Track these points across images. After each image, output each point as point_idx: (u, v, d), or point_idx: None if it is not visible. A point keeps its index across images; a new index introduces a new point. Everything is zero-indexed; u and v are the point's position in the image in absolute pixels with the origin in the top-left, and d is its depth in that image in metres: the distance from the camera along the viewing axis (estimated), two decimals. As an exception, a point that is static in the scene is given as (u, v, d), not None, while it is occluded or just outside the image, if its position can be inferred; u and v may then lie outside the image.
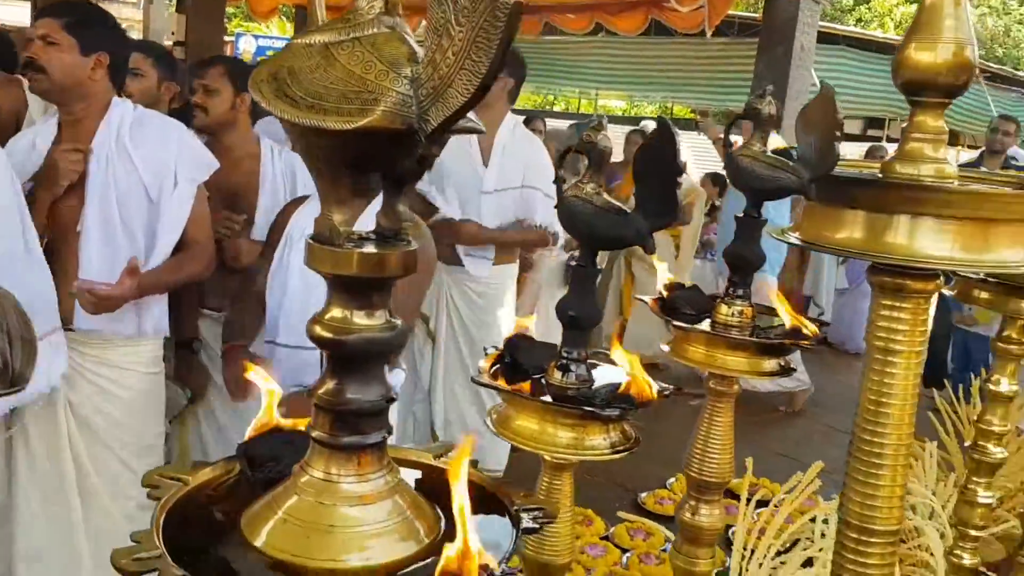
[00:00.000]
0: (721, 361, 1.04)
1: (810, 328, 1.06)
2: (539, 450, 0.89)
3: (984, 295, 1.48)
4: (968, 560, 1.52)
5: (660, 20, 8.49)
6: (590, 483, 3.96)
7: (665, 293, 1.09)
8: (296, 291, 2.34)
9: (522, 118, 4.47)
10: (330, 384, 0.67)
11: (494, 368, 0.92)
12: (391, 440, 0.70)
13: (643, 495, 3.57)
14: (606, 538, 3.19)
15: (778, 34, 7.14)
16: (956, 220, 1.13)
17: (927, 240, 1.13)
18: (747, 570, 1.94)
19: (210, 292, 2.89)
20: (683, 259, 5.61)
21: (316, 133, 0.59)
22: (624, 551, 3.06)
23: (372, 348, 0.66)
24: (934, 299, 1.42)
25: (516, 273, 3.59)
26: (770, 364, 1.04)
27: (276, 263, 2.42)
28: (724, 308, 1.07)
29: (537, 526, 0.72)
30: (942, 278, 1.22)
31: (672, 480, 3.60)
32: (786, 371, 1.06)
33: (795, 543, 2.21)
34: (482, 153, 3.43)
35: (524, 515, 0.73)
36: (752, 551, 1.98)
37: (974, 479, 1.52)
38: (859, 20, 23.32)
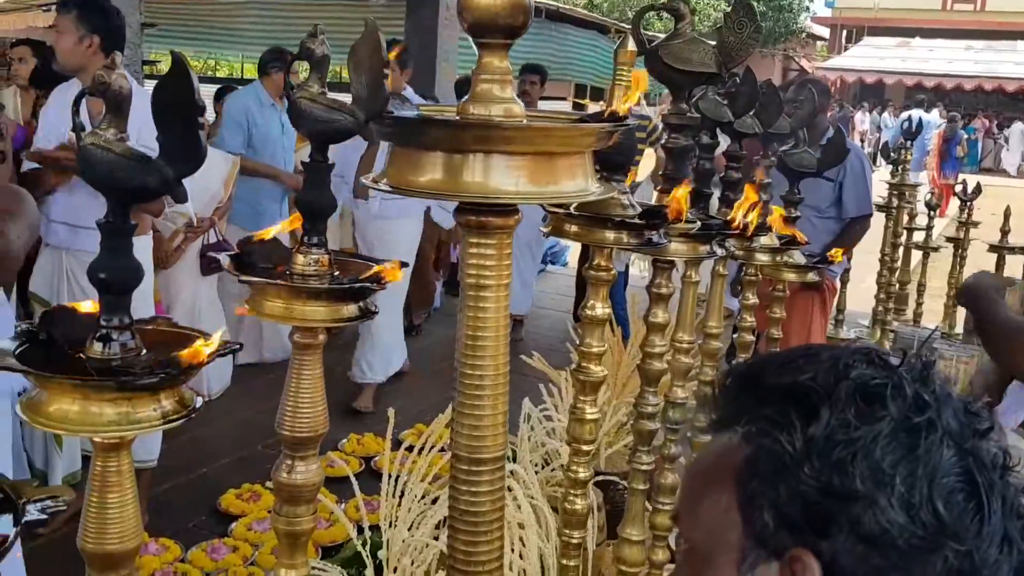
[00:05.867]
0: (300, 312, 1.01)
1: (391, 273, 1.07)
2: (84, 433, 0.80)
3: (573, 228, 1.59)
4: (583, 474, 1.65)
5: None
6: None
7: (239, 248, 1.04)
8: None
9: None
10: None
11: (21, 349, 0.81)
12: None
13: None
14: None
15: (422, -5, 7.28)
16: (523, 155, 1.19)
17: (499, 176, 1.17)
18: (396, 518, 1.98)
19: None
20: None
21: None
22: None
23: None
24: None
25: (150, 246, 3.36)
26: (350, 309, 1.03)
27: None
28: (301, 258, 1.04)
29: (46, 516, 0.64)
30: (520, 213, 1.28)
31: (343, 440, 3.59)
32: (368, 313, 1.05)
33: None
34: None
35: (31, 507, 0.64)
36: (401, 495, 2.02)
37: (580, 398, 1.64)
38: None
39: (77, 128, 0.81)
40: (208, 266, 4.04)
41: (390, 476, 2.08)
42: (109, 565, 0.87)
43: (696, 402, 2.47)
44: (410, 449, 2.37)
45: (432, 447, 2.32)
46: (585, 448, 1.64)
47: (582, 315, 1.64)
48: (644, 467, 1.91)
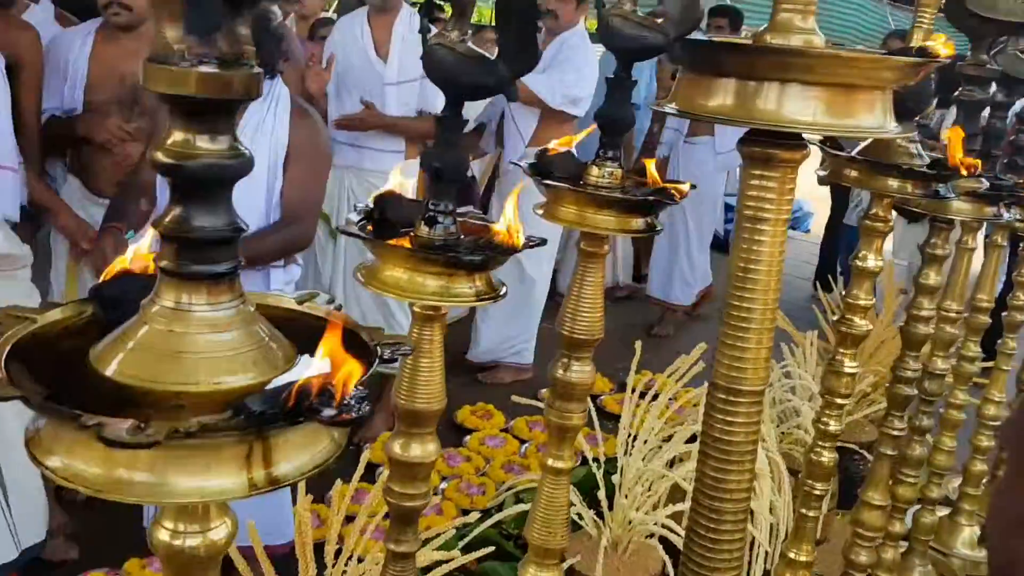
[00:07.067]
0: (591, 220, 1.06)
1: (679, 189, 1.09)
2: (407, 298, 0.90)
3: (854, 173, 1.54)
4: (833, 427, 1.62)
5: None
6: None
7: (536, 159, 1.11)
8: None
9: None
10: (175, 212, 0.65)
11: (361, 223, 0.92)
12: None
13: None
14: (506, 430, 3.28)
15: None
16: (820, 86, 1.16)
17: (794, 105, 1.16)
18: (632, 448, 2.03)
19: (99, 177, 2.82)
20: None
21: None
22: (523, 442, 3.15)
23: (216, 173, 0.65)
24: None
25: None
26: (638, 222, 1.07)
27: None
28: (595, 170, 1.09)
29: (395, 357, 0.73)
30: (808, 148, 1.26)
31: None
32: (652, 229, 1.09)
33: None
34: (378, 46, 3.42)
35: (383, 348, 0.74)
36: (635, 435, 2.08)
37: (840, 350, 1.60)
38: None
39: (424, 30, 0.90)
40: None
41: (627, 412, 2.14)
42: (415, 422, 0.98)
43: (954, 379, 2.33)
44: (642, 396, 2.40)
45: (659, 393, 2.34)
46: (839, 401, 1.61)
47: (852, 265, 1.59)
48: (895, 432, 1.84)
